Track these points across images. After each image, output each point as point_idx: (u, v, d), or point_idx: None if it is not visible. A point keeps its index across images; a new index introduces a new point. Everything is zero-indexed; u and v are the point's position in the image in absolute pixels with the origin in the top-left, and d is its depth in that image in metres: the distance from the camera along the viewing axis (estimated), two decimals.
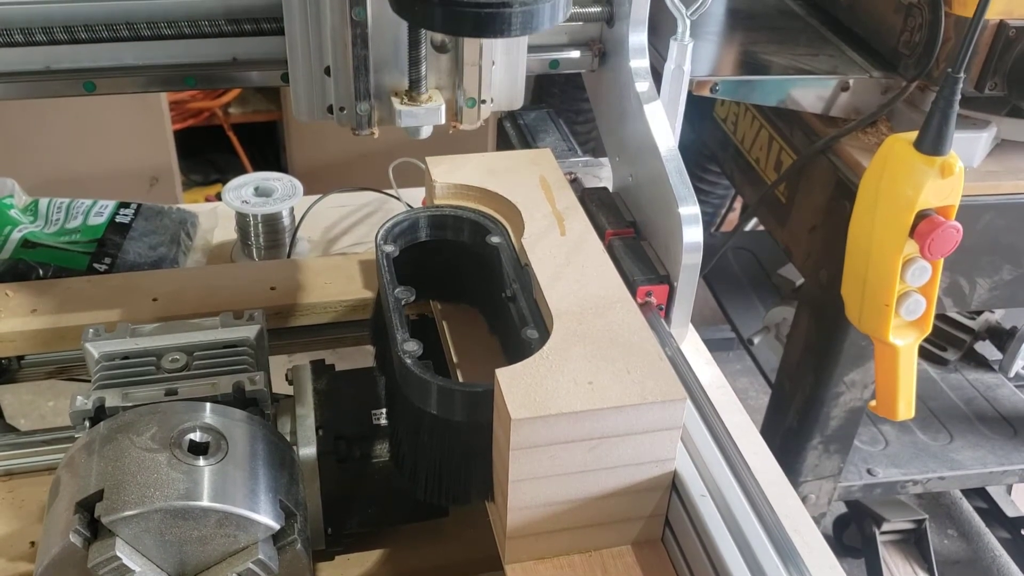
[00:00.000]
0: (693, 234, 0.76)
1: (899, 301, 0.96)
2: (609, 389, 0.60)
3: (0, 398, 1.08)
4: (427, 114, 0.78)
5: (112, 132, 2.10)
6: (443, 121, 0.80)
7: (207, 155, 2.81)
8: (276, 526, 0.63)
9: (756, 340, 1.53)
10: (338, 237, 1.23)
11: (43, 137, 2.05)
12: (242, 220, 1.16)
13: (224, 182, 1.19)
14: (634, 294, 0.78)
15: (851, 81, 1.11)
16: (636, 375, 0.61)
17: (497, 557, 0.66)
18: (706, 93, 1.11)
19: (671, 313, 0.80)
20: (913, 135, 0.90)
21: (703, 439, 0.66)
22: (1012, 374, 1.53)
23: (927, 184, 0.89)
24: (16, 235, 1.11)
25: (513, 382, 0.60)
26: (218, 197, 1.17)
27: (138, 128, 2.13)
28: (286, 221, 1.17)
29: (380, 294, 0.76)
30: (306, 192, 1.25)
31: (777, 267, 1.65)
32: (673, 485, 0.63)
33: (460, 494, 0.68)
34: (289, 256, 1.17)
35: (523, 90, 0.85)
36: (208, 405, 0.68)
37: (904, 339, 0.99)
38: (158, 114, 2.14)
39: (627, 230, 0.86)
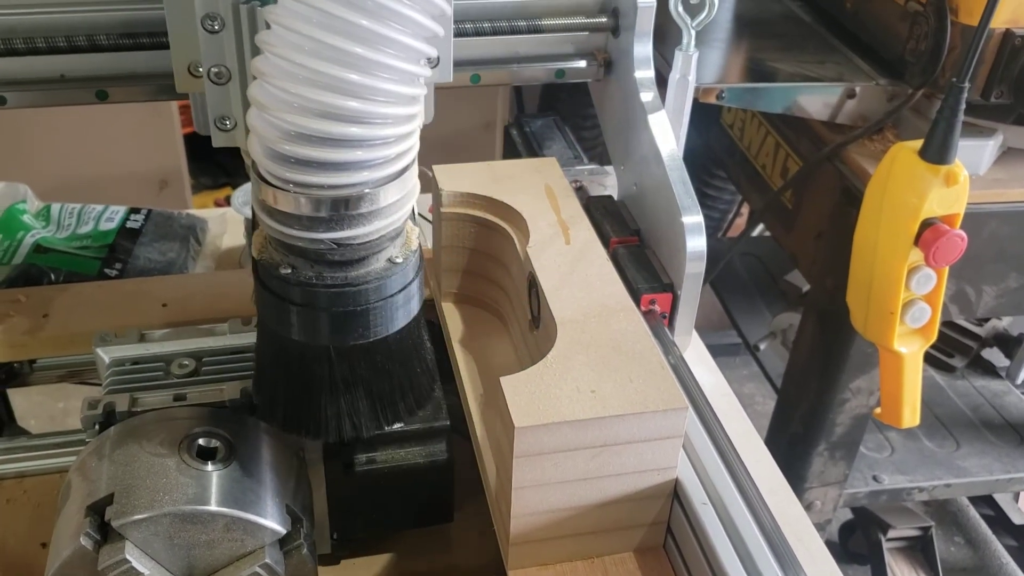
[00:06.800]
0: (696, 243, 0.76)
1: (904, 309, 0.96)
2: (612, 397, 0.60)
3: (11, 400, 1.09)
4: None
5: (122, 136, 2.12)
6: None
7: (216, 158, 2.82)
8: (282, 531, 0.64)
9: (762, 346, 1.53)
10: None
11: (55, 142, 2.07)
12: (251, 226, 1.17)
13: (233, 185, 1.20)
14: (638, 302, 0.78)
15: (857, 88, 1.12)
16: (638, 384, 0.61)
17: (500, 563, 0.66)
18: (712, 100, 1.11)
19: (674, 321, 0.80)
20: (918, 143, 0.90)
21: (705, 447, 0.66)
22: (1019, 381, 1.53)
23: (931, 192, 0.89)
24: (29, 240, 1.12)
25: (517, 389, 0.60)
26: (227, 200, 1.18)
27: (148, 132, 2.15)
28: None
29: None
30: None
31: (784, 273, 1.65)
32: (675, 493, 0.64)
33: (316, 427, 0.64)
34: None
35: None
36: (216, 410, 0.69)
37: (909, 346, 0.99)
38: (168, 118, 2.16)
39: (631, 238, 0.86)
